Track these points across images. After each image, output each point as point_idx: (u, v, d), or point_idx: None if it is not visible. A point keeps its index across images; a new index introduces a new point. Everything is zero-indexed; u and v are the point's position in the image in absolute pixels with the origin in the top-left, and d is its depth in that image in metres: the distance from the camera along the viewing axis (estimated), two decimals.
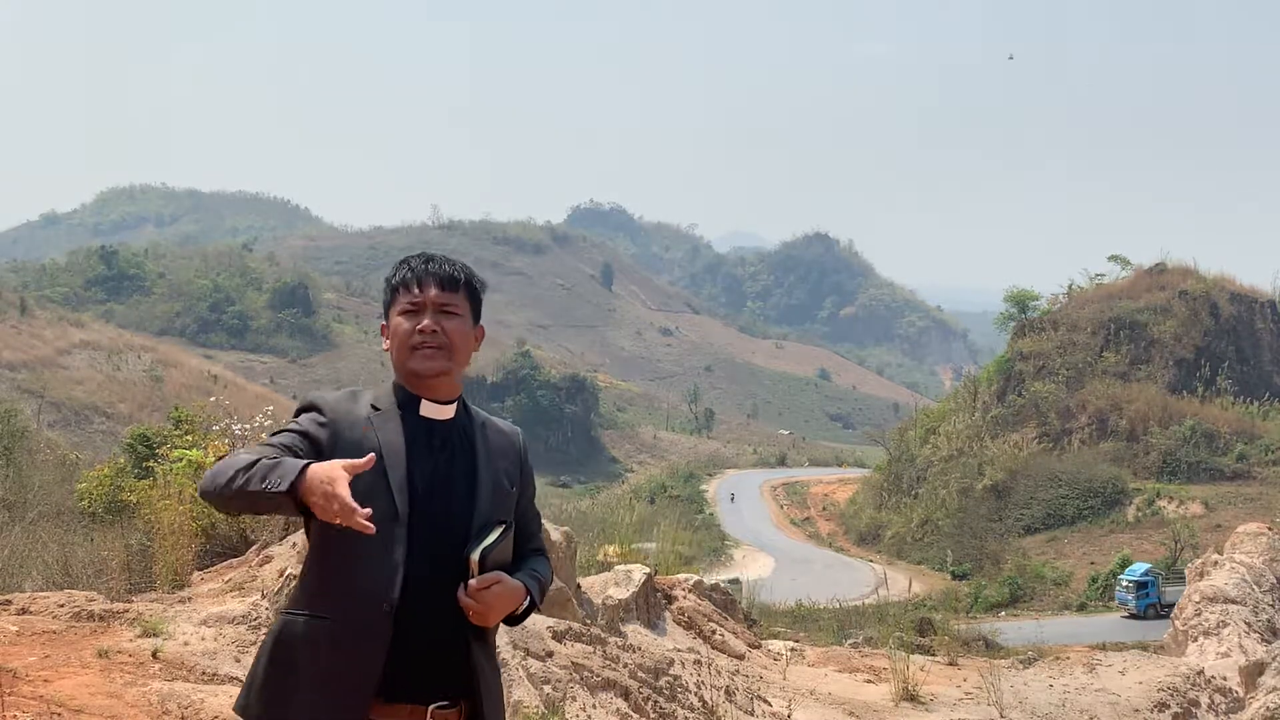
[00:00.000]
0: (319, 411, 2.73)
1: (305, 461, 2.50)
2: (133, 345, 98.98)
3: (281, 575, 7.19)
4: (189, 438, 10.60)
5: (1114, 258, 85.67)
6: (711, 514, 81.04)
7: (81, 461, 23.46)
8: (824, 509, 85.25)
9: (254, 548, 8.38)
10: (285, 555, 7.51)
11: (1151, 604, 48.15)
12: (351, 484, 2.50)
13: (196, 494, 2.83)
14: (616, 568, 9.64)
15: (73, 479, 17.20)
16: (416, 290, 2.79)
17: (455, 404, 2.82)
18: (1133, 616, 47.59)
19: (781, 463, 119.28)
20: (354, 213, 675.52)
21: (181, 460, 9.51)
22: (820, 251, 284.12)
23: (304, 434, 2.67)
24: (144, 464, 12.51)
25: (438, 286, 2.79)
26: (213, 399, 14.69)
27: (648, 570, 9.51)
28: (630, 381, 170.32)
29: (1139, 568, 50.61)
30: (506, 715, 2.94)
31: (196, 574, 8.36)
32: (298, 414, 2.78)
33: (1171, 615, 13.23)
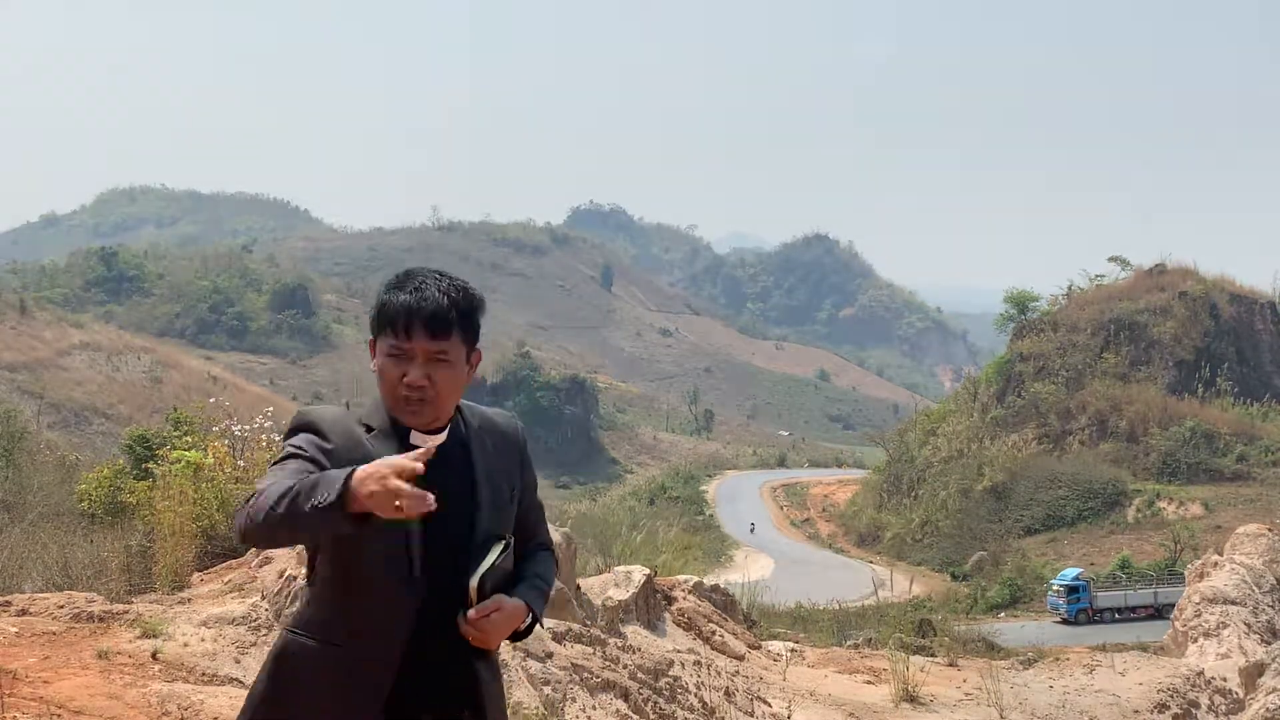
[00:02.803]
0: (319, 434, 2.60)
1: (348, 470, 2.33)
2: (132, 346, 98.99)
3: (281, 576, 7.18)
4: (188, 439, 10.59)
5: (1114, 258, 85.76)
6: (711, 514, 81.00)
7: (81, 463, 23.40)
8: (824, 510, 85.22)
9: (254, 549, 8.38)
10: (285, 557, 7.51)
11: (1083, 609, 47.27)
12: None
13: (241, 524, 2.52)
14: (616, 569, 9.64)
15: (72, 480, 17.17)
16: (405, 337, 2.59)
17: (446, 428, 2.69)
18: (1064, 622, 46.51)
19: (781, 464, 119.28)
20: (354, 214, 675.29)
21: (180, 462, 9.50)
22: (820, 252, 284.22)
23: (309, 459, 2.54)
24: (143, 465, 12.50)
25: (427, 335, 2.59)
26: (212, 400, 14.69)
27: (647, 571, 9.51)
28: (630, 382, 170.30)
29: (1070, 572, 49.81)
30: (507, 717, 2.89)
31: (196, 575, 8.36)
32: (293, 432, 2.64)
33: (1171, 616, 13.22)
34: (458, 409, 2.74)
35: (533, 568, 2.78)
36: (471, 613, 2.58)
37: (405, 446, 2.58)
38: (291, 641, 2.67)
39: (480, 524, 2.66)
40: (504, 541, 2.68)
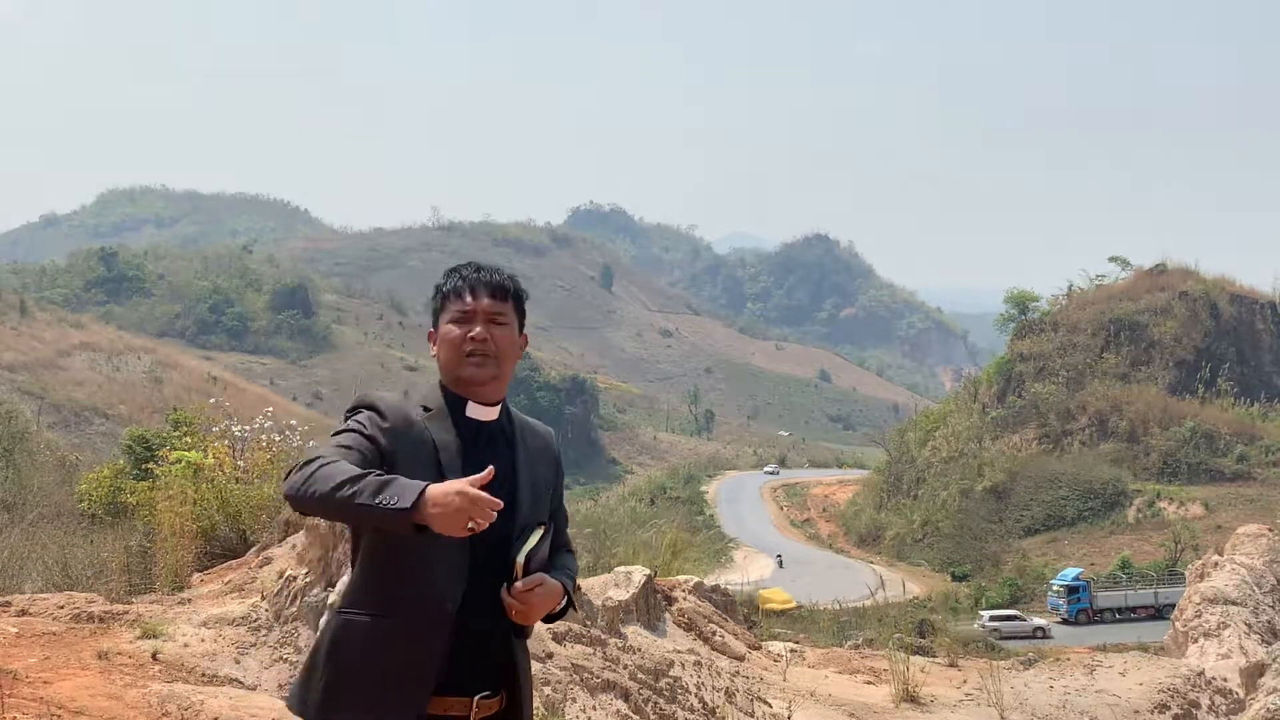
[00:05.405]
0: (379, 413, 2.76)
1: (424, 483, 2.50)
2: (132, 347, 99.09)
3: (281, 576, 7.18)
4: (188, 439, 10.57)
5: (1114, 259, 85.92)
6: (712, 515, 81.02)
7: (81, 463, 23.43)
8: (824, 510, 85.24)
9: (254, 549, 8.38)
10: (285, 557, 7.51)
11: (1083, 609, 47.44)
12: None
13: (293, 490, 2.63)
14: (616, 569, 9.64)
15: (72, 480, 17.20)
16: (469, 298, 2.85)
17: (499, 406, 2.89)
18: (1064, 622, 46.80)
19: (782, 464, 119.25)
20: (354, 214, 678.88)
21: (181, 462, 9.50)
22: (820, 253, 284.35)
23: (368, 436, 2.71)
24: (143, 466, 12.51)
25: (489, 295, 2.86)
26: (212, 400, 14.64)
27: (647, 571, 9.51)
28: (630, 383, 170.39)
29: (1070, 573, 50.04)
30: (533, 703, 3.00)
31: (196, 575, 8.36)
32: (354, 410, 2.81)
33: (1172, 616, 13.22)
34: (505, 405, 2.92)
35: (561, 562, 2.92)
36: (519, 585, 2.70)
37: (459, 423, 2.79)
38: (346, 621, 2.75)
39: (521, 507, 2.81)
40: (545, 526, 2.82)
